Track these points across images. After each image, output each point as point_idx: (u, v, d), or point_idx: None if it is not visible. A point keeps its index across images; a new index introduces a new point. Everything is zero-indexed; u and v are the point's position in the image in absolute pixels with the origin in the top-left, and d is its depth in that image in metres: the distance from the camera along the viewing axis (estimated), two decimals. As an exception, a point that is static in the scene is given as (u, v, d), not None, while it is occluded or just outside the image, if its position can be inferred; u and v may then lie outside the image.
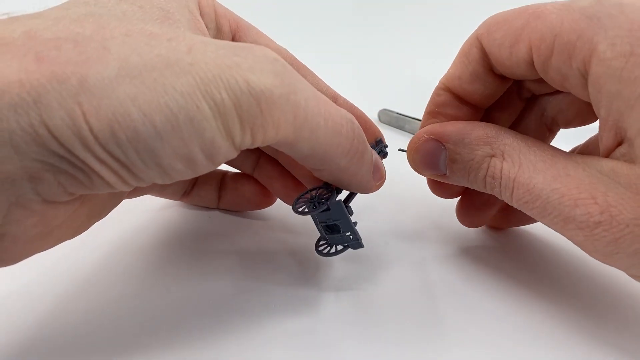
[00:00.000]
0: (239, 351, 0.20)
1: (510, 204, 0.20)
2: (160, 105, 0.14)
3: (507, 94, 0.24)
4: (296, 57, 0.24)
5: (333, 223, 0.22)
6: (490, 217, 0.27)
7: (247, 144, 0.16)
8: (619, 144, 0.18)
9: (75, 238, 0.18)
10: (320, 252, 0.23)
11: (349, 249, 0.23)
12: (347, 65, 0.56)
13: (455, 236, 0.27)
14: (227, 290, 0.23)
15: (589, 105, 0.23)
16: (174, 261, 0.25)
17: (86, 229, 0.18)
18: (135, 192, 0.25)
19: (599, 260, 0.18)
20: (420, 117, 0.41)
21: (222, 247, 0.26)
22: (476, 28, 0.22)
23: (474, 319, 0.21)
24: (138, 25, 0.15)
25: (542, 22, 0.19)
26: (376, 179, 0.22)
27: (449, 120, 0.24)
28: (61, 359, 0.19)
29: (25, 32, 0.14)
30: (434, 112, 0.24)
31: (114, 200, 0.20)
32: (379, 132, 0.27)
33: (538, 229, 0.28)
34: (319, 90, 0.24)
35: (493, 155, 0.20)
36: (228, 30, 0.22)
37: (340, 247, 0.23)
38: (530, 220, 0.27)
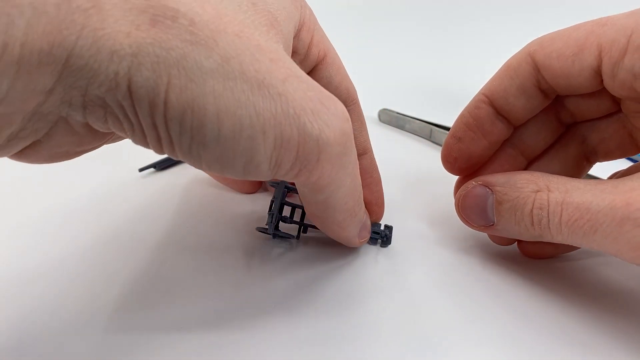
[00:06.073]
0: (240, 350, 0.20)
1: (559, 237, 0.20)
2: (236, 114, 0.15)
3: (546, 116, 0.24)
4: (359, 101, 0.26)
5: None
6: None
7: (287, 177, 0.17)
8: None
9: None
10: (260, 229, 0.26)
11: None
12: (347, 65, 0.56)
13: (459, 236, 0.27)
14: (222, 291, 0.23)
15: (631, 135, 0.23)
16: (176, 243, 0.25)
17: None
18: None
19: None
20: (420, 117, 0.41)
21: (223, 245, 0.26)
22: (523, 47, 0.23)
23: (480, 324, 0.22)
24: (249, 29, 0.16)
25: (610, 27, 0.19)
26: (360, 237, 0.24)
27: (481, 136, 0.24)
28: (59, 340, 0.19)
29: None
30: (471, 124, 0.24)
31: None
32: (381, 213, 0.27)
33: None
34: (363, 140, 0.26)
35: (539, 190, 0.21)
36: (314, 59, 0.23)
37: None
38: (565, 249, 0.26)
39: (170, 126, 0.15)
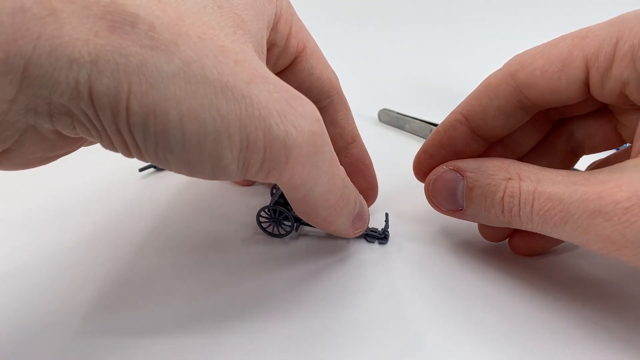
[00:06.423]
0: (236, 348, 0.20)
1: (529, 225, 0.20)
2: (199, 119, 0.14)
3: (534, 115, 0.24)
4: (342, 89, 0.25)
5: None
6: (512, 233, 0.26)
7: (258, 178, 0.17)
8: None
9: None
10: (259, 223, 0.26)
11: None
12: (347, 65, 0.56)
13: (457, 236, 0.27)
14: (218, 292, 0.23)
15: (616, 129, 0.23)
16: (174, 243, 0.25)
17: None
18: None
19: (627, 259, 0.17)
20: (420, 117, 0.41)
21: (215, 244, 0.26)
22: (502, 66, 0.22)
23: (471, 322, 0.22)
24: (214, 30, 0.16)
25: (593, 39, 0.19)
26: (355, 227, 0.23)
27: (453, 155, 0.24)
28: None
29: None
30: (445, 143, 0.24)
31: None
32: (375, 197, 0.28)
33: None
34: (350, 129, 0.26)
35: (510, 178, 0.21)
36: (294, 51, 0.22)
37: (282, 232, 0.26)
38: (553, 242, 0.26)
39: (134, 132, 0.14)
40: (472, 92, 0.23)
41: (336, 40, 0.68)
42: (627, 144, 0.23)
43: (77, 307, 0.22)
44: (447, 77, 0.53)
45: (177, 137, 0.15)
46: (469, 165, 0.22)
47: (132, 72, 0.14)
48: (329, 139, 0.19)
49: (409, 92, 0.51)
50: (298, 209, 0.21)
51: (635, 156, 0.19)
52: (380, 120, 0.44)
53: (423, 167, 0.25)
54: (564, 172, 0.20)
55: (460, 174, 0.23)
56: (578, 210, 0.18)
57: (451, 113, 0.24)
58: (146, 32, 0.14)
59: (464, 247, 0.26)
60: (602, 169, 0.19)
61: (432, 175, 0.24)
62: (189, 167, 0.16)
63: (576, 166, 0.26)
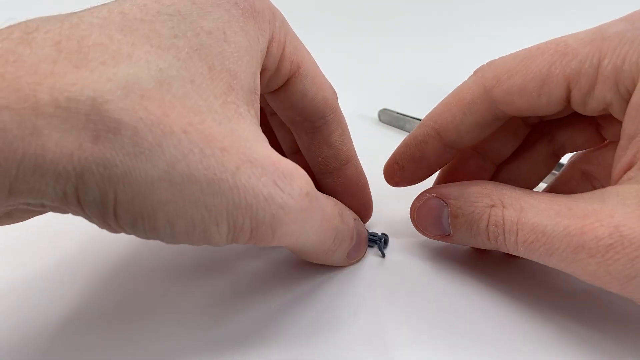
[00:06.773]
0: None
1: (516, 252, 0.20)
2: (186, 215, 0.15)
3: (512, 121, 0.24)
4: (340, 108, 0.24)
5: None
6: None
7: (247, 244, 0.17)
8: (631, 166, 0.18)
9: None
10: None
11: None
12: (347, 65, 0.56)
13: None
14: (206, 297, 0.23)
15: (597, 130, 0.23)
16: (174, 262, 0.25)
17: None
18: None
19: (616, 291, 0.17)
20: (420, 117, 0.41)
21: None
22: (475, 76, 0.22)
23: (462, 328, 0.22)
24: (201, 115, 0.15)
25: (573, 57, 0.19)
26: (350, 258, 0.24)
27: (425, 167, 0.24)
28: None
29: (92, 99, 0.14)
30: (417, 157, 0.24)
31: None
32: (369, 215, 0.27)
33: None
34: (345, 149, 0.25)
35: (493, 205, 0.21)
36: (286, 73, 0.21)
37: None
38: None
39: (124, 228, 0.15)
40: (444, 105, 0.23)
41: (337, 40, 0.68)
42: (608, 141, 0.23)
43: (76, 309, 0.22)
44: (447, 77, 0.53)
45: (165, 232, 0.15)
46: (452, 192, 0.22)
47: (118, 181, 0.14)
48: (320, 203, 0.19)
49: (409, 92, 0.51)
50: (291, 250, 0.21)
51: (616, 182, 0.19)
52: (380, 120, 0.44)
53: (395, 177, 0.25)
54: (546, 198, 0.20)
55: (443, 200, 0.22)
56: (562, 245, 0.18)
57: (422, 126, 0.24)
58: (130, 137, 0.14)
59: (464, 250, 0.26)
60: (583, 195, 0.19)
61: (417, 202, 0.24)
62: (179, 244, 0.16)
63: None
